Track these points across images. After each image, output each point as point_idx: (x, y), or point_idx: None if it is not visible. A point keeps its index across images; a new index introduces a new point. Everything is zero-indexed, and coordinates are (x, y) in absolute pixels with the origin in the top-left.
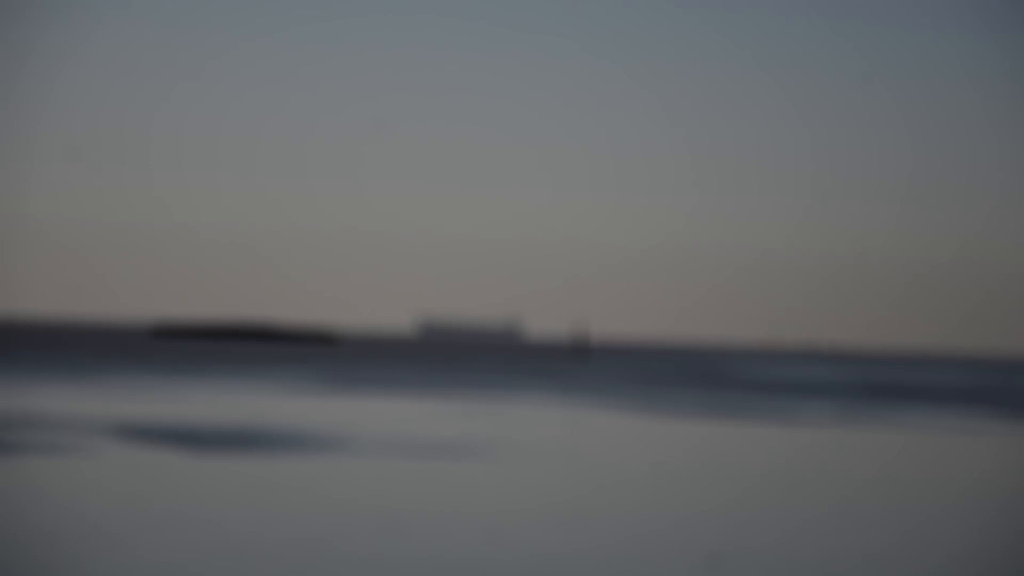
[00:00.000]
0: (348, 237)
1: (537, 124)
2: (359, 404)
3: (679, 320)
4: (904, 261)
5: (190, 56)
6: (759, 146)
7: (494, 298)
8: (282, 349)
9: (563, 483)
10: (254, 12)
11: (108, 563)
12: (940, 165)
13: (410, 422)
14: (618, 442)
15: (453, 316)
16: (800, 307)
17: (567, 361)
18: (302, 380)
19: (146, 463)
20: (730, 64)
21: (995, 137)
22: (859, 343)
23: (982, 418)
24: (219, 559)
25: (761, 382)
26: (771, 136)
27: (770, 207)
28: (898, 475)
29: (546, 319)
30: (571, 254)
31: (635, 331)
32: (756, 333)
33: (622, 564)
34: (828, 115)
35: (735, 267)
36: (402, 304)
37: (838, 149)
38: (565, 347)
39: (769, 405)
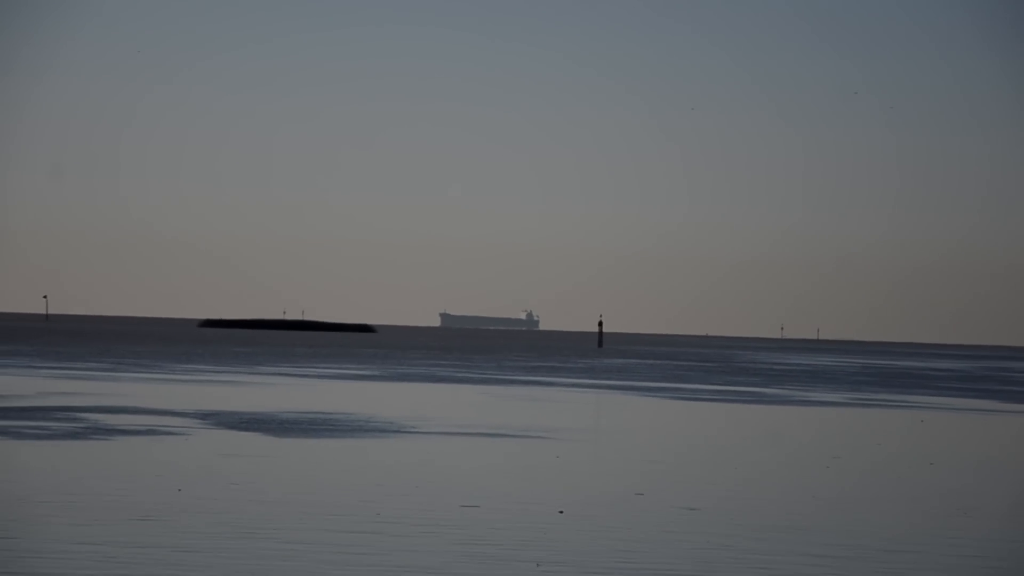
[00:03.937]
0: (380, 243)
1: (547, 139)
2: (413, 389)
3: (685, 316)
4: (897, 261)
5: (220, 73)
6: (766, 155)
7: (512, 296)
8: (326, 338)
9: (617, 461)
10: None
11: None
12: (931, 173)
13: (464, 405)
14: (656, 422)
15: (475, 311)
16: (801, 305)
17: (589, 351)
18: (353, 366)
19: (232, 444)
20: (730, 80)
21: (982, 145)
22: (858, 336)
23: (979, 397)
24: (322, 544)
25: (773, 370)
26: (776, 146)
27: (769, 213)
28: (914, 448)
29: (560, 314)
30: (582, 256)
31: (644, 326)
32: (758, 328)
33: (680, 537)
34: (823, 126)
35: (736, 268)
36: (429, 302)
37: (842, 158)
38: (584, 338)
39: (785, 389)
